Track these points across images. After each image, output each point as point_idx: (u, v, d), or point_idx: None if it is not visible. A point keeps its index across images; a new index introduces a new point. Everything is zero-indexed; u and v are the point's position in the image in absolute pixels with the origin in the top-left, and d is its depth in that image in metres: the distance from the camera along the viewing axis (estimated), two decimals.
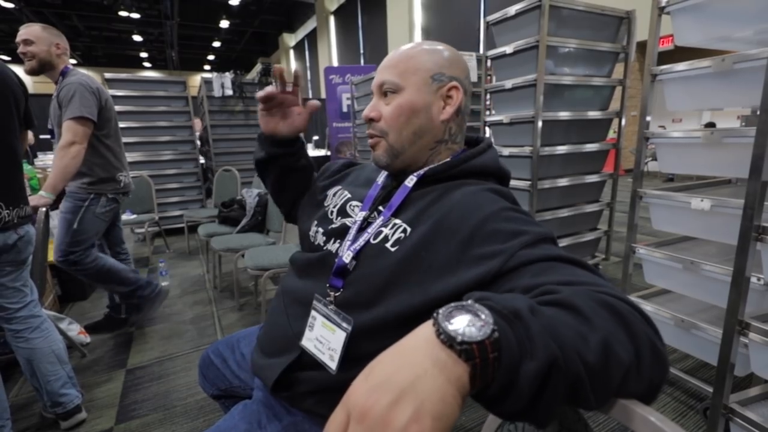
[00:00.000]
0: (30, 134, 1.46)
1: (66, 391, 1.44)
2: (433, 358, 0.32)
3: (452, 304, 0.36)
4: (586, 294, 0.41)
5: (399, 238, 0.62)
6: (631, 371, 0.37)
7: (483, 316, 0.34)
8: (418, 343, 0.34)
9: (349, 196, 0.78)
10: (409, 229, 0.62)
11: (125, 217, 3.35)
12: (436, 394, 0.31)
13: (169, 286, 2.89)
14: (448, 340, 0.32)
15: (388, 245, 0.63)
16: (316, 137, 8.59)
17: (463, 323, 0.33)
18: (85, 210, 1.84)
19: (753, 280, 1.15)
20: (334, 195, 0.80)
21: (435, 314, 0.35)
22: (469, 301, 0.36)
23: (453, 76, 0.68)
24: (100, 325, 2.21)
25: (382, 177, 0.77)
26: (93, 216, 1.88)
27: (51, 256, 1.91)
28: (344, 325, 0.62)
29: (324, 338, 0.64)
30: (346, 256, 0.65)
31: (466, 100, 0.70)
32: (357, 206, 0.74)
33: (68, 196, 1.85)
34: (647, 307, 1.57)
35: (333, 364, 0.62)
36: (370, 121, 0.70)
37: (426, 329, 0.35)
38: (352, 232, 0.68)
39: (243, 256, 2.16)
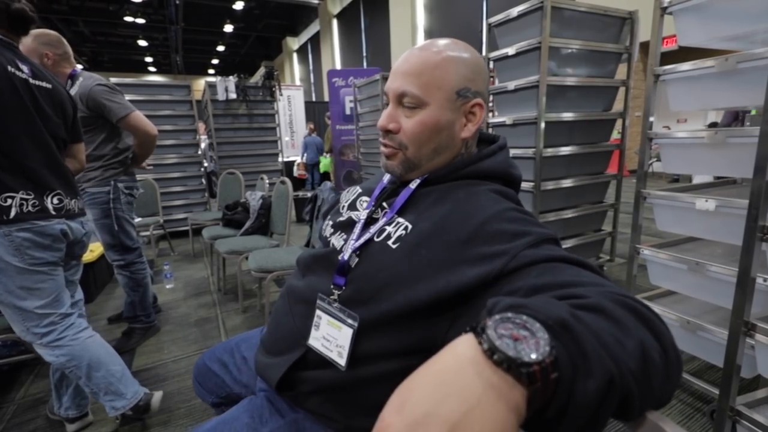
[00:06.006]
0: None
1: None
2: (484, 382, 0.27)
3: (497, 316, 0.31)
4: (609, 297, 0.39)
5: (401, 236, 0.62)
6: (663, 374, 0.35)
7: (535, 330, 0.30)
8: (462, 365, 0.29)
9: (360, 191, 0.79)
10: (410, 227, 0.62)
11: None
12: (496, 427, 0.26)
13: (174, 288, 2.91)
14: (505, 361, 0.28)
15: (390, 242, 0.63)
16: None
17: (514, 339, 0.29)
18: (114, 209, 1.88)
19: (759, 280, 1.14)
20: (347, 192, 0.82)
21: (479, 328, 0.30)
22: (510, 314, 0.31)
23: (477, 90, 0.65)
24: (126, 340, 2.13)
25: (387, 175, 0.77)
26: (122, 211, 1.93)
27: None
28: (350, 321, 0.62)
29: (331, 336, 0.64)
30: (347, 254, 0.66)
31: (485, 114, 0.68)
32: (366, 201, 0.75)
33: (91, 204, 1.84)
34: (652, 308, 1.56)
35: (342, 361, 0.62)
36: (388, 132, 0.66)
37: (467, 347, 0.30)
38: (357, 228, 0.68)
39: (247, 258, 2.17)
